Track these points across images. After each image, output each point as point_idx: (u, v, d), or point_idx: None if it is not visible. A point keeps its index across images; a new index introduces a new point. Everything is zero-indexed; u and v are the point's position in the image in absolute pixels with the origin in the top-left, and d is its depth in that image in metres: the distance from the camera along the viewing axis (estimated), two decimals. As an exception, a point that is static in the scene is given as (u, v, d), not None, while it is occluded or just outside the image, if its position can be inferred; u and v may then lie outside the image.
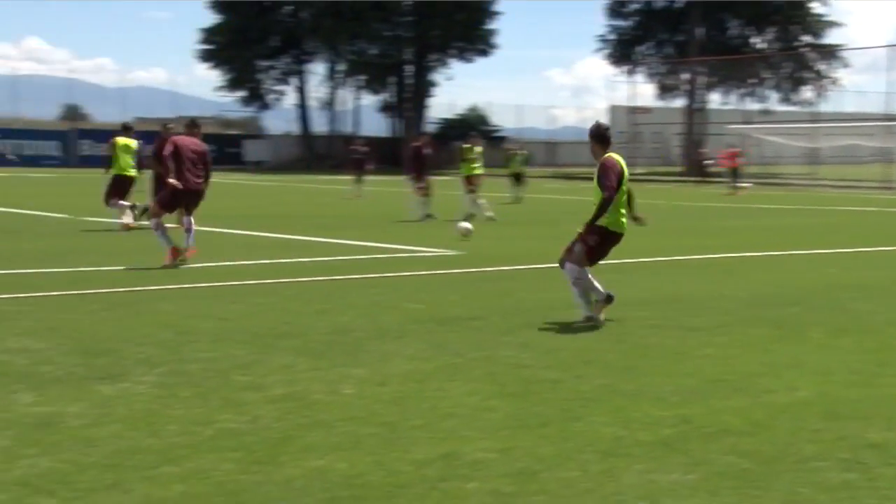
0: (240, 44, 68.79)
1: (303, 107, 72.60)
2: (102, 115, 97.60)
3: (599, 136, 8.72)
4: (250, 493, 4.33)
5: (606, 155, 8.64)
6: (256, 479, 4.50)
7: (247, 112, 74.68)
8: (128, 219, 17.21)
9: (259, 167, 62.75)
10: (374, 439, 5.16)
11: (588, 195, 9.14)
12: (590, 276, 8.64)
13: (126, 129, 18.39)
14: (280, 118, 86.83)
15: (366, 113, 76.20)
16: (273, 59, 72.94)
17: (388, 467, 4.72)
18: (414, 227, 19.58)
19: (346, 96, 74.96)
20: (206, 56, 70.82)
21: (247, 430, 5.25)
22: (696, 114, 65.15)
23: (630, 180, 8.84)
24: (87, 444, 4.94)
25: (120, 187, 17.58)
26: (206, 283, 10.56)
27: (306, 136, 71.49)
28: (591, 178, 8.76)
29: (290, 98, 73.92)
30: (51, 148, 59.97)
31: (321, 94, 75.89)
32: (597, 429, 5.42)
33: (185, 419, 5.42)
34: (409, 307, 9.39)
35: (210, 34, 70.29)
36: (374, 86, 73.83)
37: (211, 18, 71.26)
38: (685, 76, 66.51)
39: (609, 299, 8.62)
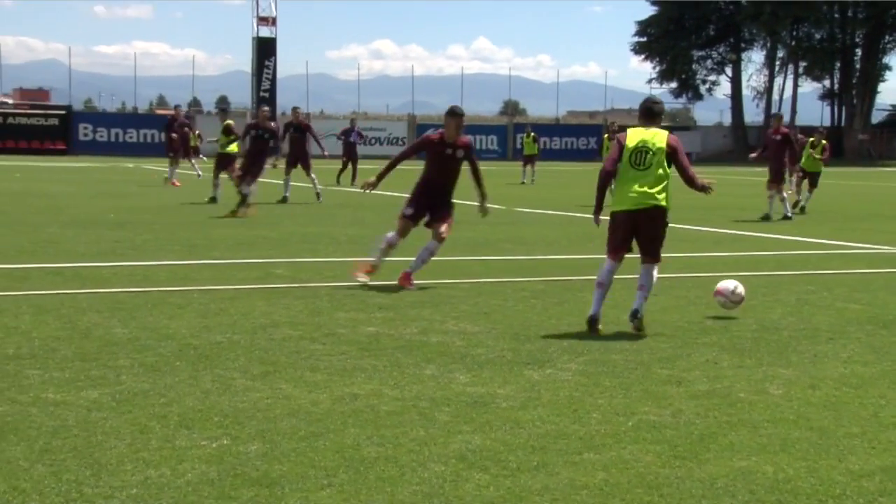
0: (674, 34, 68.55)
1: (736, 97, 70.61)
2: (539, 109, 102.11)
3: (640, 111, 8.04)
4: (671, 488, 4.26)
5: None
6: (678, 474, 4.42)
7: (677, 103, 74.21)
8: None
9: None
10: (805, 444, 4.86)
11: None
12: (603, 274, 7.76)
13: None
14: (712, 109, 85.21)
15: (804, 101, 72.42)
16: (708, 49, 71.76)
17: (819, 475, 4.42)
18: (853, 223, 18.25)
19: (784, 84, 71.78)
20: (640, 48, 71.39)
21: (668, 424, 5.18)
22: None
23: None
24: (515, 425, 5.15)
25: None
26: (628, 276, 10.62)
27: (738, 127, 69.45)
28: None
29: (723, 88, 72.38)
30: (492, 142, 63.79)
31: (756, 84, 73.39)
32: None
33: (607, 408, 5.47)
34: (844, 307, 8.75)
35: (645, 26, 70.75)
36: (815, 72, 69.91)
37: (647, 10, 71.74)
38: None
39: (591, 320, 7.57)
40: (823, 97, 71.24)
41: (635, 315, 7.52)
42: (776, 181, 19.02)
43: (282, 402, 5.51)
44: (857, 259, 12.58)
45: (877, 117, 70.02)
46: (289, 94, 68.37)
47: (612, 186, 7.87)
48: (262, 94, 57.99)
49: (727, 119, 72.28)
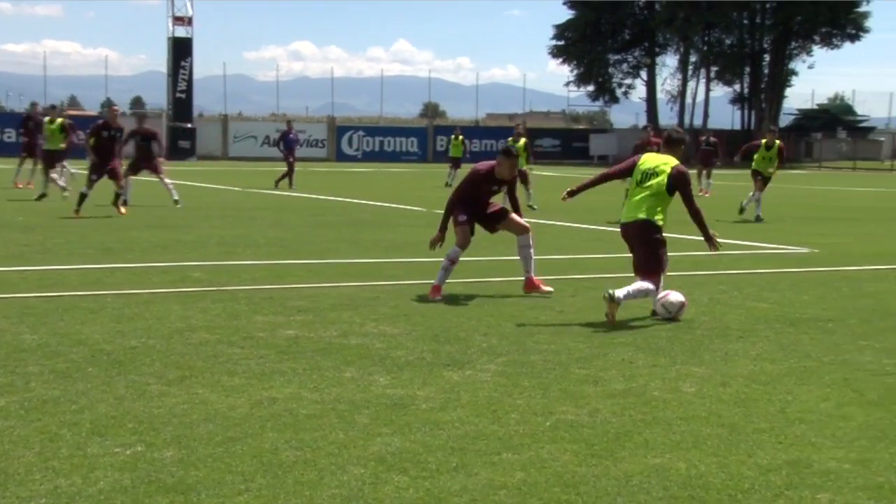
0: (591, 38, 69.43)
1: (651, 100, 71.88)
2: (458, 111, 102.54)
3: (663, 139, 9.19)
4: (588, 486, 4.32)
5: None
6: (594, 472, 4.49)
7: (594, 106, 75.24)
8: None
9: (603, 161, 62.96)
10: (716, 440, 4.98)
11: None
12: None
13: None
14: (628, 111, 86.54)
15: (716, 105, 74.06)
16: (623, 53, 72.91)
17: (730, 470, 4.53)
18: (760, 224, 18.72)
19: (697, 88, 73.33)
20: (558, 52, 72.13)
21: (585, 423, 5.26)
22: None
23: None
24: (434, 426, 5.17)
25: None
26: (548, 276, 10.72)
27: (653, 131, 70.79)
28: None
29: (638, 91, 73.55)
30: (412, 144, 63.80)
31: (671, 87, 74.79)
32: (971, 447, 4.87)
33: (525, 408, 5.53)
34: (754, 306, 8.98)
35: (562, 30, 71.53)
36: (726, 76, 71.54)
37: (564, 15, 72.60)
38: None
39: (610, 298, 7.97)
40: (734, 101, 72.89)
41: (611, 297, 7.92)
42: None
43: (198, 407, 5.44)
44: (765, 259, 12.91)
45: (784, 121, 71.89)
46: (206, 95, 67.35)
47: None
48: (178, 94, 57.01)
49: (643, 121, 73.48)
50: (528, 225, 9.63)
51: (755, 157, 20.51)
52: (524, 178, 20.82)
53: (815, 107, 76.98)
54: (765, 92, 69.66)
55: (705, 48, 69.97)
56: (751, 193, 20.04)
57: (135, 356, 6.56)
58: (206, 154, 57.48)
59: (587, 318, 8.23)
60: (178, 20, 57.89)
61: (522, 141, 21.78)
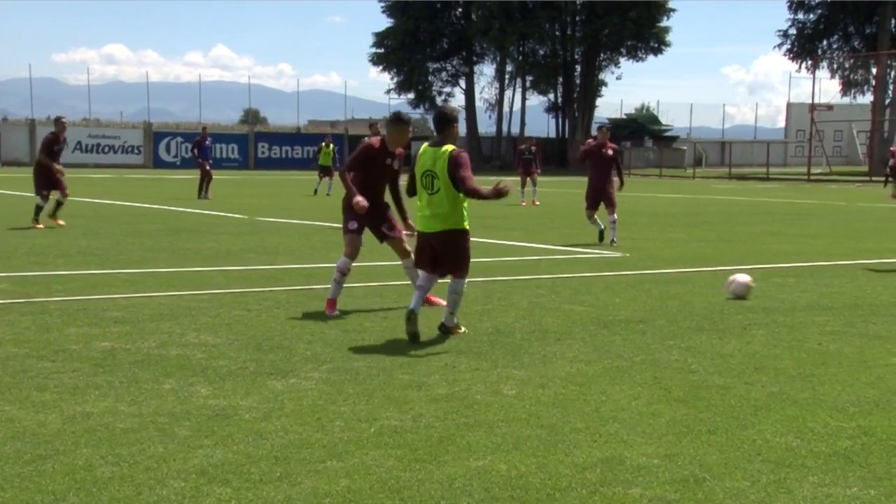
0: (410, 46, 70.17)
1: (470, 108, 73.24)
2: (280, 118, 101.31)
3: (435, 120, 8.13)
4: (412, 491, 4.37)
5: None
6: (418, 477, 4.54)
7: (415, 114, 76.02)
8: None
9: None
10: (535, 441, 5.13)
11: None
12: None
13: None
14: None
15: (532, 113, 76.23)
16: (442, 61, 74.00)
17: (548, 470, 4.68)
18: (578, 229, 19.41)
19: (514, 97, 75.29)
20: (378, 59, 72.52)
21: (409, 428, 5.31)
22: (886, 110, 61.96)
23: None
24: (258, 436, 5.11)
25: None
26: (373, 283, 10.76)
27: (472, 138, 72.06)
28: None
29: (458, 99, 74.79)
30: (232, 151, 62.62)
31: (489, 96, 76.42)
32: (767, 438, 5.21)
33: (350, 415, 5.54)
34: (571, 309, 9.30)
35: (382, 38, 71.95)
36: (541, 86, 73.79)
37: (384, 23, 73.06)
38: (874, 71, 63.43)
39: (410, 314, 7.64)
40: (549, 110, 75.28)
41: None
42: (596, 207, 16.25)
43: (5, 424, 5.17)
44: (581, 263, 13.38)
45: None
46: (10, 98, 64.11)
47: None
48: (-22, 96, 54.02)
49: (463, 129, 74.84)
50: (410, 251, 9.02)
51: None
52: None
53: (624, 116, 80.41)
54: (577, 101, 72.28)
55: (520, 58, 72.02)
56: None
57: (-66, 373, 6.17)
58: (11, 160, 54.63)
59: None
60: (-23, 19, 54.94)
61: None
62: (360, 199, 8.67)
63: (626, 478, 4.57)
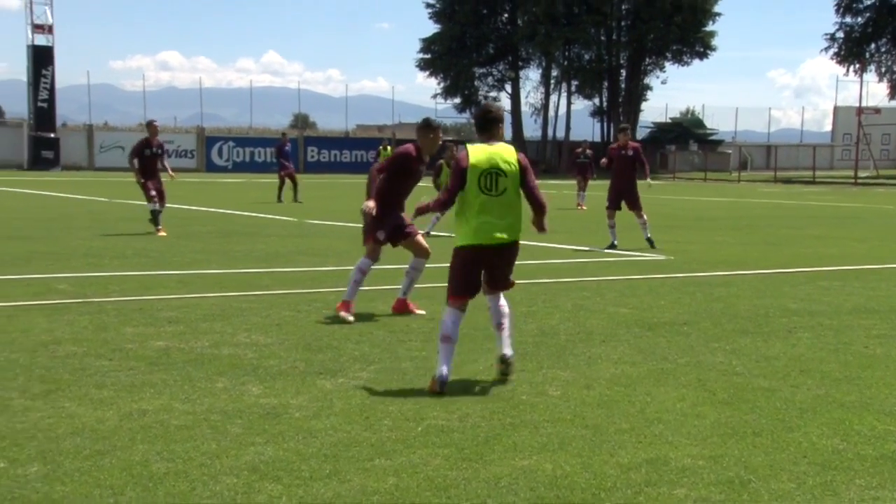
0: (457, 52, 70.38)
1: (516, 112, 73.24)
2: (328, 122, 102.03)
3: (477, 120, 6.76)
4: (458, 489, 4.45)
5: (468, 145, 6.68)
6: (464, 476, 4.62)
7: (461, 118, 76.18)
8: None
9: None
10: (580, 441, 5.18)
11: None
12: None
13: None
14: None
15: (578, 118, 76.03)
16: (488, 66, 74.10)
17: (593, 470, 4.73)
18: (621, 232, 19.36)
19: (559, 102, 75.13)
20: (425, 64, 72.83)
21: (455, 428, 5.39)
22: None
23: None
24: (308, 434, 5.22)
25: None
26: (419, 285, 10.86)
27: (518, 141, 72.04)
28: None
29: (503, 104, 74.84)
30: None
31: (534, 100, 76.36)
32: (813, 440, 5.23)
33: (397, 415, 5.63)
34: (615, 311, 9.33)
35: (429, 43, 72.25)
36: (586, 90, 73.59)
37: (431, 28, 73.35)
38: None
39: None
40: (594, 114, 75.03)
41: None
42: (617, 208, 16.25)
43: (65, 420, 5.34)
44: (626, 266, 13.38)
45: (641, 133, 74.31)
46: (70, 104, 65.13)
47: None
48: (39, 104, 55.08)
49: (508, 133, 74.79)
50: (429, 249, 9.27)
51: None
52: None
53: (669, 120, 79.91)
54: (622, 105, 71.94)
55: (566, 63, 71.87)
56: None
57: (-4, 371, 6.38)
58: (70, 164, 55.55)
59: (461, 324, 8.37)
60: (38, 28, 55.97)
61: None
62: (370, 204, 8.65)
63: (671, 479, 4.61)
